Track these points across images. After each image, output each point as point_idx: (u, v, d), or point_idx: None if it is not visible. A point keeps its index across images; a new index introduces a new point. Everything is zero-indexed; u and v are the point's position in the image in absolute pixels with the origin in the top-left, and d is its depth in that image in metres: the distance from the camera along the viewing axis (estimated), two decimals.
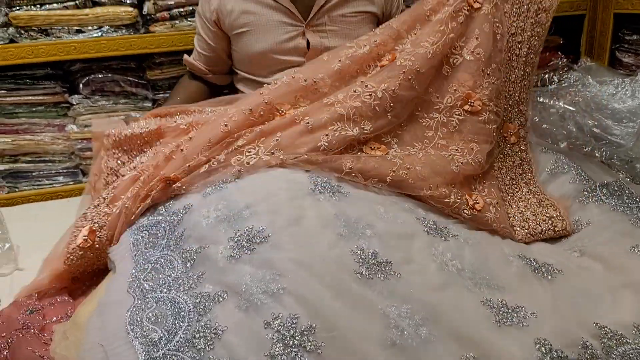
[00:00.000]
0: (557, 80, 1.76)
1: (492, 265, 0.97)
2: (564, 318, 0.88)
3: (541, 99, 1.59)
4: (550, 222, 1.14)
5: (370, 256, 0.89)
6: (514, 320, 0.86)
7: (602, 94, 1.56)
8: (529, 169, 1.24)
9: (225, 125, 1.10)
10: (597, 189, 1.19)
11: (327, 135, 1.08)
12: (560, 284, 0.95)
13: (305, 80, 1.16)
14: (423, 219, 1.03)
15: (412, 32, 1.21)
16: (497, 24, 1.20)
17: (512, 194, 1.21)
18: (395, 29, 1.21)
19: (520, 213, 1.17)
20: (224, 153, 1.07)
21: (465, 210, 1.08)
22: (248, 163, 1.05)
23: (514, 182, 1.23)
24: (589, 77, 1.65)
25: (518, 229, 1.13)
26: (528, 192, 1.22)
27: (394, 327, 0.81)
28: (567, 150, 1.40)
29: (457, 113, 1.16)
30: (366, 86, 1.12)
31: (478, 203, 1.11)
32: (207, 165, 1.07)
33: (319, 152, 1.07)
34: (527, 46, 1.24)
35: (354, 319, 0.81)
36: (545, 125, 1.51)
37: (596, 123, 1.49)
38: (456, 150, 1.15)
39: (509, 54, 1.23)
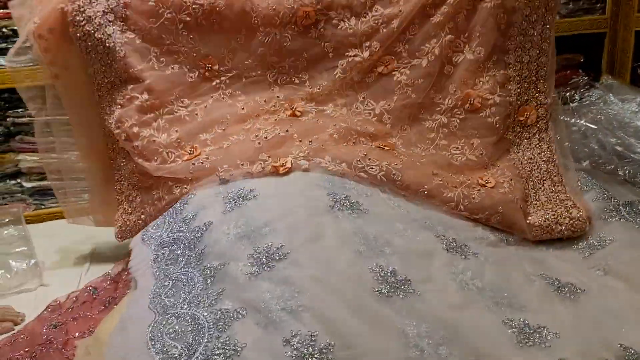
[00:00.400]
0: (578, 99, 1.74)
1: (513, 284, 0.96)
2: (587, 338, 0.86)
3: (562, 117, 1.58)
4: (563, 205, 1.14)
5: (389, 274, 0.89)
6: (535, 340, 0.84)
7: (625, 112, 1.54)
8: (548, 148, 1.24)
9: (242, 108, 1.25)
10: (621, 207, 1.17)
11: (335, 125, 1.20)
12: (583, 304, 0.94)
13: (310, 87, 1.28)
14: (442, 236, 1.02)
15: (410, 29, 1.24)
16: (502, 14, 1.21)
17: (529, 171, 1.22)
18: (393, 28, 1.23)
19: (534, 193, 1.19)
20: (241, 134, 1.21)
21: (475, 189, 1.13)
22: (266, 138, 1.17)
23: (532, 161, 1.23)
24: (611, 95, 1.64)
25: (531, 207, 1.15)
26: (546, 170, 1.22)
27: (413, 346, 0.80)
28: (590, 169, 1.38)
29: (458, 113, 1.23)
30: (367, 104, 1.24)
31: (490, 182, 1.15)
32: (228, 142, 1.20)
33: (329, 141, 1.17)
34: (542, 23, 1.23)
35: (373, 337, 0.81)
36: (567, 144, 1.50)
37: (619, 141, 1.47)
38: (456, 148, 1.22)
39: (522, 37, 1.23)
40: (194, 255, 0.99)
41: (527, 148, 1.24)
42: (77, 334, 1.10)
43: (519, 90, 1.24)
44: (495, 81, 1.22)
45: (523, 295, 0.94)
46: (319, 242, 0.94)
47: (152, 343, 0.82)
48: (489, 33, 1.21)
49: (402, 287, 0.88)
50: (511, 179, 1.16)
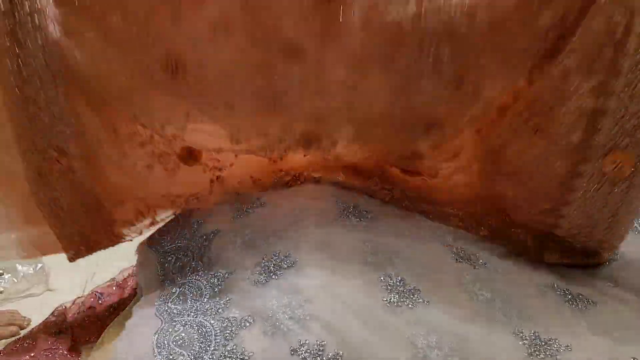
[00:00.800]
0: None
1: (523, 295, 0.94)
2: (599, 351, 0.84)
3: None
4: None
5: (398, 283, 0.88)
6: (546, 352, 0.83)
7: None
8: None
9: None
10: None
11: None
12: (594, 316, 0.92)
13: None
14: (451, 246, 1.01)
15: None
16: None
17: None
18: None
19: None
20: None
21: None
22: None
23: None
24: None
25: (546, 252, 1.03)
26: None
27: (422, 356, 0.79)
28: None
29: None
30: None
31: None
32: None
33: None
34: None
35: (382, 348, 0.80)
36: None
37: None
38: None
39: None
40: (200, 263, 0.98)
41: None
42: (82, 339, 1.10)
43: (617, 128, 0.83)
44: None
45: (533, 306, 0.93)
46: (327, 250, 0.93)
47: (159, 350, 0.82)
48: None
49: (411, 296, 0.87)
50: None
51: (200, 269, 0.97)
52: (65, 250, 0.91)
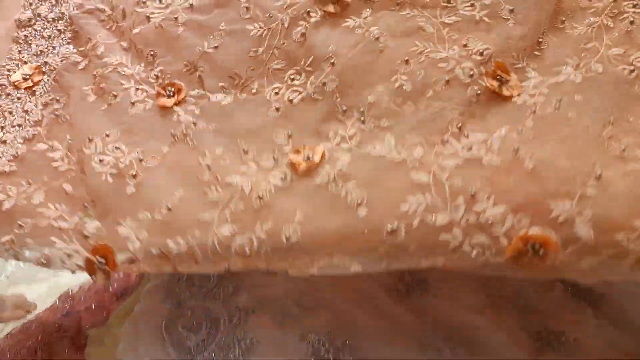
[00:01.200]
0: None
1: (531, 288, 0.94)
2: (608, 345, 0.84)
3: None
4: None
5: (406, 274, 0.88)
6: (554, 346, 0.83)
7: None
8: None
9: None
10: None
11: None
12: (602, 309, 0.92)
13: None
14: None
15: None
16: None
17: None
18: None
19: None
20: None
21: None
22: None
23: None
24: None
25: None
26: None
27: (430, 347, 0.80)
28: None
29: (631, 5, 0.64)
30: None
31: None
32: None
33: None
34: None
35: (390, 337, 0.80)
36: None
37: None
38: None
39: None
40: None
41: None
42: (89, 323, 1.10)
43: None
44: None
45: (541, 299, 0.93)
46: None
47: (167, 334, 0.82)
48: None
49: (420, 287, 0.87)
50: None
51: None
52: None
